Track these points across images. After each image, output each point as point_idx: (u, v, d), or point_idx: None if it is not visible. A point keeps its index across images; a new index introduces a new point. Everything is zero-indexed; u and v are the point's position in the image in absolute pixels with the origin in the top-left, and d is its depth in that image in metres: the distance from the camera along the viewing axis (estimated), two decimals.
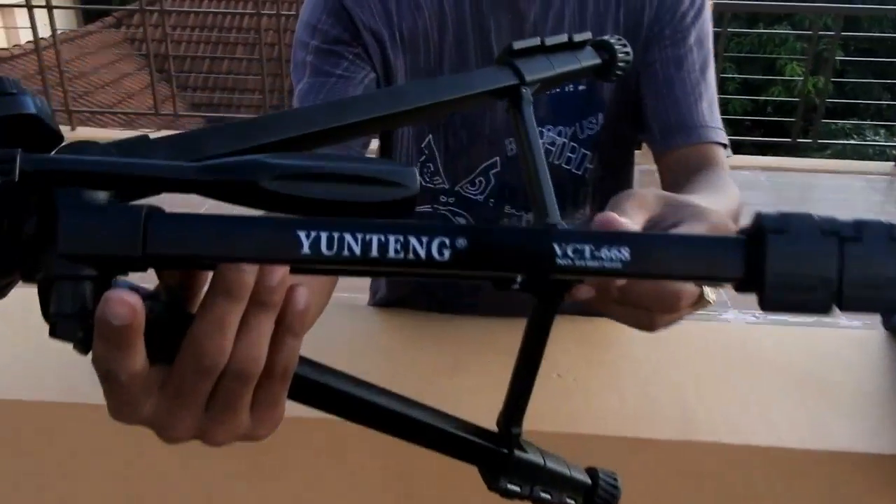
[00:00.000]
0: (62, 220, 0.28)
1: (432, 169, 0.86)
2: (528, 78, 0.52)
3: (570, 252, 0.29)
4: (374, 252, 0.29)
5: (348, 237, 0.28)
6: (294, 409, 0.56)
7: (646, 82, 0.83)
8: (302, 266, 0.30)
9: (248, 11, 8.09)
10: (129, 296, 0.28)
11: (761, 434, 0.71)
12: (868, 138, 8.70)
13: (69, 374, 0.76)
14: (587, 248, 0.29)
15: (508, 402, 0.46)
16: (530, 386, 0.46)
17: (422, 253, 0.29)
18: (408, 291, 0.95)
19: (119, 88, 7.97)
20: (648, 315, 0.46)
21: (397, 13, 0.78)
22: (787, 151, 5.17)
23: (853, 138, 9.02)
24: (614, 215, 0.42)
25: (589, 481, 0.46)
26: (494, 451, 0.43)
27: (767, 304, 0.29)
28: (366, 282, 1.06)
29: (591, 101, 0.83)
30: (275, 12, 4.37)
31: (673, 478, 0.72)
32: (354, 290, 1.07)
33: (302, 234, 0.28)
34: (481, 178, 0.86)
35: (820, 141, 5.26)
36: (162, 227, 0.28)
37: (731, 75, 9.57)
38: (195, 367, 0.31)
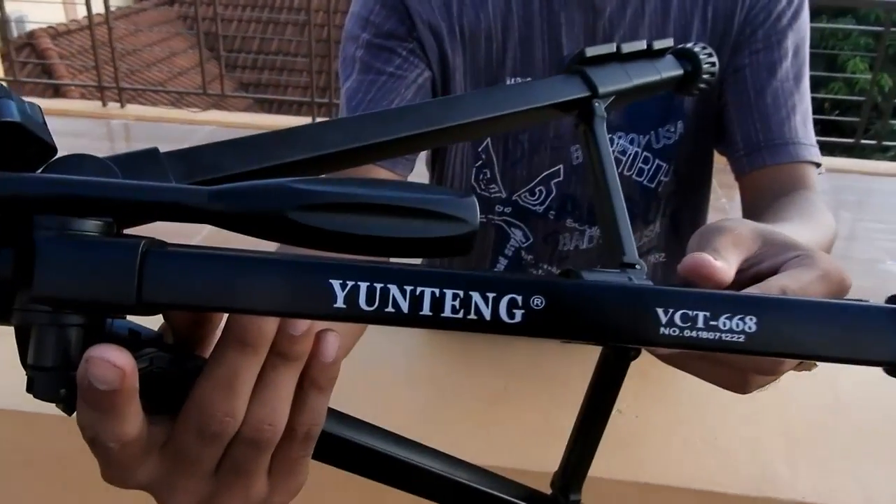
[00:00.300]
0: (40, 256, 0.23)
1: (489, 176, 0.79)
2: (602, 90, 0.45)
3: (677, 320, 0.24)
4: (426, 309, 0.24)
5: (394, 290, 0.24)
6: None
7: (732, 90, 0.74)
8: (334, 320, 0.24)
9: None
10: (118, 355, 0.23)
11: (851, 497, 0.63)
12: None
13: None
14: (700, 316, 0.24)
15: (567, 463, 0.40)
16: (594, 447, 0.41)
17: (486, 313, 0.24)
18: None
19: (171, 66, 8.04)
20: (741, 376, 0.38)
21: (458, 6, 0.71)
22: (845, 152, 4.97)
23: None
24: (709, 258, 0.35)
25: None
26: None
27: None
28: None
29: (670, 108, 0.75)
30: None
31: None
32: None
33: (336, 284, 0.24)
34: (541, 188, 0.78)
35: (885, 143, 5.02)
36: (162, 269, 0.23)
37: None
38: (200, 431, 0.26)
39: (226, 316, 0.26)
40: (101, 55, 4.52)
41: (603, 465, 0.64)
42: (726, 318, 0.24)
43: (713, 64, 0.51)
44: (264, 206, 0.24)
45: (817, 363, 0.42)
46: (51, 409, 0.65)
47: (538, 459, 0.65)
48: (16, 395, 0.70)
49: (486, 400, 0.72)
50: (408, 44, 0.71)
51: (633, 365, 0.77)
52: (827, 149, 5.18)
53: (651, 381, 0.77)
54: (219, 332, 0.27)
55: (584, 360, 0.73)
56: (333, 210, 0.24)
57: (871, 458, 0.67)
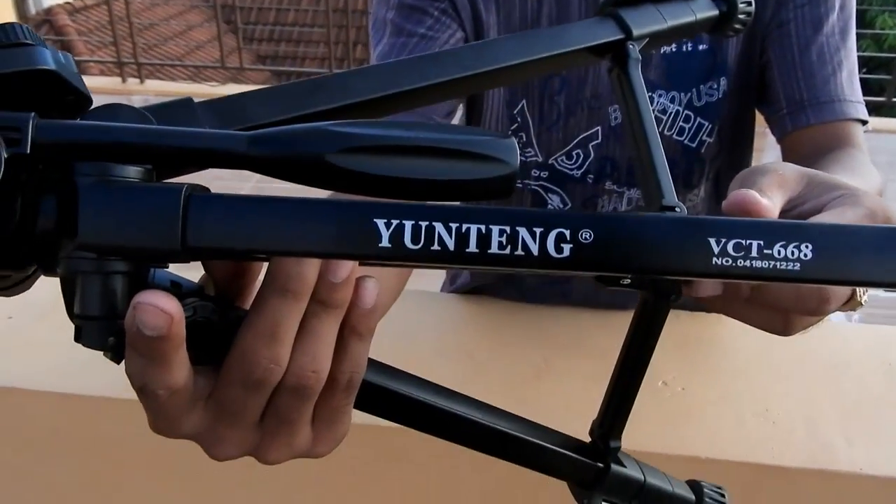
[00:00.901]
0: (83, 203, 0.23)
1: (524, 139, 0.76)
2: (636, 32, 0.43)
3: (730, 249, 0.24)
4: (473, 246, 0.23)
5: (439, 227, 0.23)
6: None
7: (776, 46, 0.70)
8: (380, 260, 0.24)
9: None
10: (165, 301, 0.23)
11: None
12: None
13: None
14: (754, 245, 0.24)
15: (606, 411, 0.40)
16: (633, 394, 0.40)
17: (534, 248, 0.24)
18: (492, 277, 0.86)
19: (188, 40, 7.99)
20: (784, 318, 0.37)
21: None
22: (873, 111, 4.84)
23: None
24: (754, 193, 0.33)
25: (693, 497, 0.40)
26: (590, 465, 0.38)
27: None
28: None
29: (714, 64, 0.71)
30: None
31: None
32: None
33: (381, 224, 0.23)
34: (579, 151, 0.75)
35: None
36: (206, 214, 0.23)
37: None
38: (244, 380, 0.26)
39: (265, 266, 0.26)
40: (118, 30, 4.50)
41: (650, 439, 0.62)
42: (781, 245, 0.24)
43: (749, 3, 0.49)
44: (304, 150, 0.23)
45: (863, 302, 0.40)
46: (82, 389, 0.64)
47: (580, 428, 0.63)
48: (48, 376, 0.69)
49: (524, 374, 0.70)
50: (440, 3, 0.68)
51: (675, 337, 0.75)
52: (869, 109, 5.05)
53: (694, 353, 0.74)
54: (258, 284, 0.26)
55: (624, 331, 0.71)
56: (373, 153, 0.23)
57: None
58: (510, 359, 0.72)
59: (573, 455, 0.38)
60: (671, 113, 0.73)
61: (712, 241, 0.24)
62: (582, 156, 0.75)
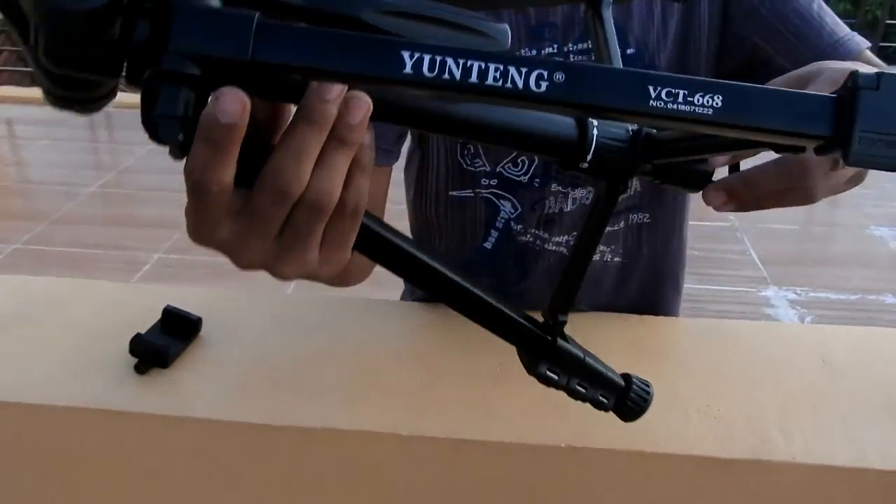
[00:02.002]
0: (178, 15, 0.29)
1: (472, 151, 0.79)
2: None
3: (663, 95, 0.30)
4: (474, 77, 0.29)
5: (450, 61, 0.30)
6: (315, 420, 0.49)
7: (756, 30, 0.75)
8: (402, 85, 0.30)
9: None
10: (241, 93, 0.29)
11: (843, 454, 0.64)
12: None
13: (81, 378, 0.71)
14: (681, 93, 0.30)
15: (559, 288, 0.47)
16: (582, 273, 0.47)
17: (519, 82, 0.30)
18: None
19: None
20: (792, 193, 0.50)
21: None
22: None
23: None
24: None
25: (622, 384, 0.47)
26: (539, 336, 0.44)
27: (853, 159, 0.29)
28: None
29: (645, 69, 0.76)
30: None
31: (746, 501, 0.65)
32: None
33: (406, 55, 0.29)
34: (524, 158, 0.79)
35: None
36: (272, 35, 0.29)
37: None
38: (273, 191, 0.32)
39: (293, 108, 0.32)
40: None
41: (599, 436, 0.65)
42: (699, 95, 0.29)
43: None
44: (343, 9, 0.30)
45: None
46: (56, 400, 0.64)
47: (536, 433, 0.66)
48: (21, 388, 0.70)
49: (482, 377, 0.72)
50: None
51: (625, 341, 0.78)
52: None
53: (646, 357, 0.78)
54: (287, 123, 0.33)
55: (575, 335, 0.74)
56: (402, 16, 0.31)
57: (861, 419, 0.68)
58: (468, 364, 0.74)
59: (527, 324, 0.44)
60: None
61: (651, 87, 0.29)
62: (527, 162, 0.79)
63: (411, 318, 0.84)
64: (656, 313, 0.87)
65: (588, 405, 0.47)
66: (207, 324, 0.78)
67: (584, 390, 0.46)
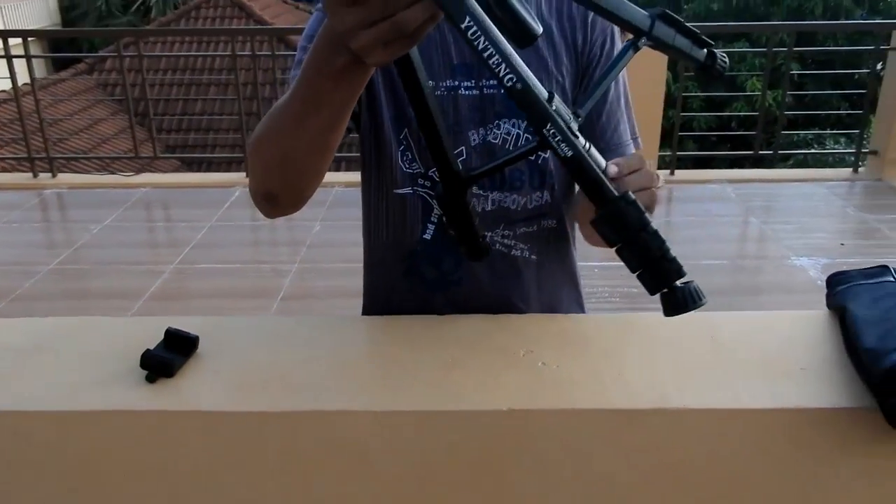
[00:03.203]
0: None
1: (410, 157, 0.99)
2: (653, 33, 0.75)
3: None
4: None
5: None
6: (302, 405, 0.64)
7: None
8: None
9: (222, 53, 8.18)
10: None
11: (723, 400, 0.81)
12: (828, 147, 8.99)
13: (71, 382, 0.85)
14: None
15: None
16: None
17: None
18: (398, 274, 1.06)
19: (93, 134, 8.02)
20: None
21: None
22: (755, 164, 5.36)
23: (814, 147, 9.30)
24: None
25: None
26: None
27: None
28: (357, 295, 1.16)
29: None
30: (250, 53, 4.48)
31: (650, 442, 0.82)
32: (348, 296, 1.17)
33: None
34: None
35: (780, 152, 5.44)
36: None
37: (694, 93, 9.84)
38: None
39: None
40: (27, 126, 4.54)
41: (536, 400, 0.81)
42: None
43: (725, 60, 0.81)
44: None
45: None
46: (81, 406, 0.78)
47: (485, 402, 0.81)
48: (49, 399, 0.83)
49: (438, 366, 0.88)
50: None
51: (551, 332, 0.95)
52: (737, 162, 5.58)
53: (569, 342, 0.94)
54: None
55: (518, 334, 0.91)
56: None
57: (738, 376, 0.85)
58: (425, 357, 0.90)
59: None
60: (514, 135, 0.96)
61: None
62: None
63: (375, 327, 1.00)
64: (566, 309, 1.06)
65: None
66: (203, 342, 0.92)
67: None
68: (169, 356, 0.87)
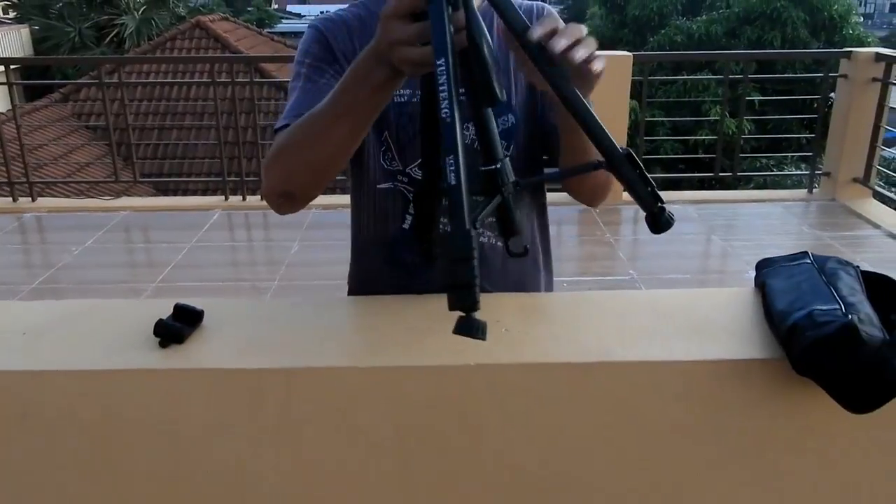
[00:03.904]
0: None
1: (391, 156, 1.12)
2: (622, 168, 0.80)
3: None
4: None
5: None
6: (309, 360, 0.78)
7: (551, 117, 1.10)
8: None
9: (199, 81, 8.30)
10: None
11: (659, 354, 0.95)
12: (787, 170, 9.32)
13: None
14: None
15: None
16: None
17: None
18: (381, 261, 1.19)
19: (70, 161, 8.07)
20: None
21: (360, 41, 1.09)
22: (720, 184, 5.58)
23: (775, 171, 9.63)
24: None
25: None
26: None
27: None
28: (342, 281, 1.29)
29: (503, 106, 1.10)
30: (228, 80, 4.62)
31: (597, 391, 0.95)
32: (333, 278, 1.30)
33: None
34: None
35: (739, 174, 5.67)
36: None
37: (660, 119, 10.16)
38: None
39: None
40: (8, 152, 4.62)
41: (496, 356, 0.94)
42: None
43: None
44: None
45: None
46: (105, 366, 0.90)
47: (455, 358, 0.95)
48: (75, 361, 0.94)
49: (415, 333, 1.01)
50: (333, 67, 1.07)
51: (523, 309, 1.08)
52: (701, 184, 5.81)
53: (531, 313, 1.08)
54: None
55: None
56: None
57: (673, 335, 0.99)
58: (402, 326, 1.03)
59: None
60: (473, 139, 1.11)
61: None
62: None
63: (359, 304, 1.14)
64: (531, 288, 1.20)
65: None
66: (207, 317, 1.04)
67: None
68: (178, 325, 0.99)
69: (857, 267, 1.08)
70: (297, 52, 1.12)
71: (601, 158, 0.80)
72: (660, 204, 0.80)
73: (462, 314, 0.74)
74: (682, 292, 1.15)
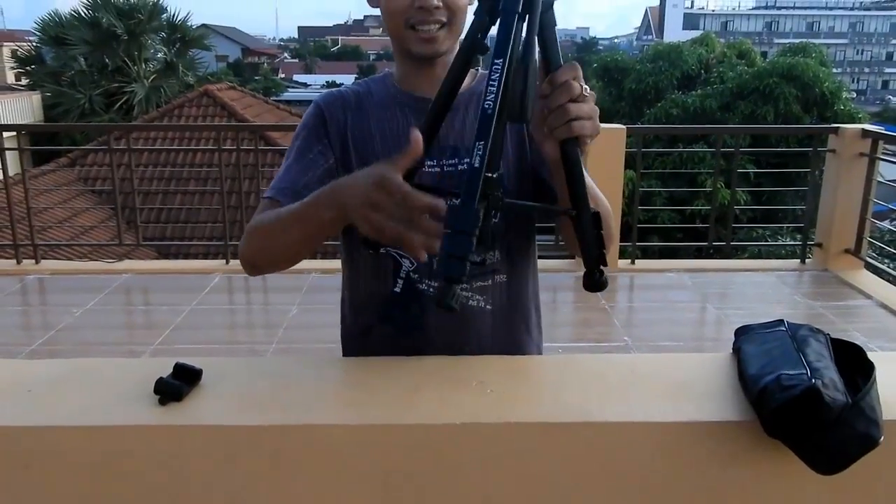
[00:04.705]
0: None
1: None
2: (584, 219, 0.95)
3: None
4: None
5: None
6: (301, 418, 0.83)
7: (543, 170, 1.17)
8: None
9: (205, 148, 8.50)
10: None
11: (636, 415, 1.00)
12: (782, 240, 9.43)
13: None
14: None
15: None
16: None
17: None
18: (374, 320, 1.25)
19: (74, 224, 8.19)
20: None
21: (350, 118, 1.21)
22: (718, 253, 5.67)
23: (769, 241, 9.74)
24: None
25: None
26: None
27: None
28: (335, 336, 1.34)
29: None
30: (234, 147, 4.75)
31: (577, 450, 0.99)
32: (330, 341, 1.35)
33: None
34: None
35: (732, 244, 5.75)
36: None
37: (657, 189, 10.34)
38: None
39: None
40: (7, 214, 4.70)
41: (481, 415, 0.99)
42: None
43: None
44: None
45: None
46: (106, 423, 0.94)
47: (442, 417, 0.99)
48: (78, 416, 0.99)
49: (403, 390, 1.06)
50: (320, 142, 1.18)
51: (510, 372, 1.13)
52: (698, 252, 5.92)
53: (515, 375, 1.13)
54: None
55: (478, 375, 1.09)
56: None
57: (650, 399, 1.04)
58: (391, 384, 1.08)
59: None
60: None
61: None
62: None
63: (351, 363, 1.18)
64: (520, 352, 1.24)
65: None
66: (206, 375, 1.08)
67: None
68: (178, 383, 1.04)
69: (828, 335, 1.13)
70: (299, 125, 1.22)
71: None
72: (601, 267, 0.91)
73: (446, 282, 0.83)
74: (661, 356, 1.20)
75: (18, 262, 4.82)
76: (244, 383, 1.09)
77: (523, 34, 0.86)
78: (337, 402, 1.05)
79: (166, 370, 1.06)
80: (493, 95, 0.83)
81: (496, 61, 0.83)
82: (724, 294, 4.69)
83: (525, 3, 0.85)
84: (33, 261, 4.83)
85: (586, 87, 0.91)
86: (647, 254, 5.98)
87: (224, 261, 4.90)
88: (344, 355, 1.31)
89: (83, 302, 4.24)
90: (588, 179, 0.97)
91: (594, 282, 0.93)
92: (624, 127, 4.69)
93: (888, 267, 5.52)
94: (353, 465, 0.99)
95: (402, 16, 1.11)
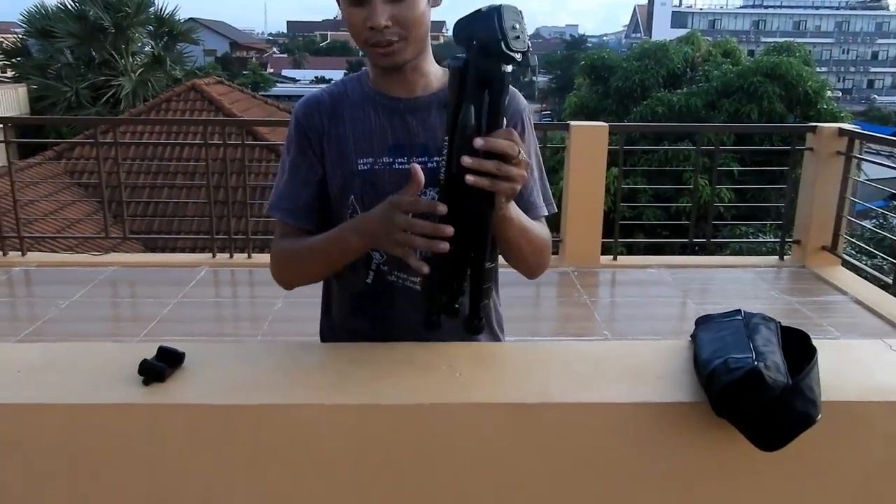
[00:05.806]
0: None
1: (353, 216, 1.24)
2: None
3: None
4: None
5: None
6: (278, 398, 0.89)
7: None
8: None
9: (192, 142, 8.50)
10: None
11: (595, 397, 1.06)
12: (764, 237, 9.53)
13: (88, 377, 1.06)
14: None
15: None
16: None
17: None
18: (348, 312, 1.32)
19: (60, 217, 8.18)
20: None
21: (326, 120, 1.26)
22: (702, 249, 5.75)
23: (750, 237, 9.86)
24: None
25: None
26: None
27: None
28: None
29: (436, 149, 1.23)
30: (221, 142, 4.78)
31: (537, 430, 1.05)
32: (314, 334, 1.40)
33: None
34: None
35: (712, 240, 5.84)
36: None
37: (642, 186, 10.43)
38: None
39: None
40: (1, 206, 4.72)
41: (449, 396, 1.05)
42: None
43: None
44: None
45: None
46: (93, 401, 1.00)
47: (413, 397, 1.05)
48: (65, 395, 1.04)
49: (375, 374, 1.11)
50: (309, 149, 1.25)
51: (470, 354, 1.19)
52: (683, 249, 6.01)
53: (482, 360, 1.19)
54: None
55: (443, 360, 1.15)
56: None
57: (608, 381, 1.10)
58: (369, 367, 1.13)
59: None
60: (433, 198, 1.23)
61: None
62: None
63: (328, 348, 1.24)
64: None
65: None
66: (188, 359, 1.14)
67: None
68: (161, 365, 1.09)
69: (778, 322, 1.20)
70: (285, 137, 1.30)
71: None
72: (480, 315, 1.09)
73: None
74: (622, 343, 1.27)
75: (4, 254, 4.83)
76: (225, 366, 1.14)
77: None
78: (313, 384, 1.10)
79: (151, 354, 1.12)
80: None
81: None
82: (704, 290, 4.77)
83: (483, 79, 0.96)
84: (19, 253, 4.85)
85: (523, 152, 1.00)
86: (633, 250, 6.05)
87: (210, 254, 4.93)
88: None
89: (69, 294, 4.27)
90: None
91: (472, 326, 1.10)
92: (606, 125, 4.75)
93: (866, 265, 5.62)
94: (329, 442, 1.05)
95: (359, 35, 1.17)
